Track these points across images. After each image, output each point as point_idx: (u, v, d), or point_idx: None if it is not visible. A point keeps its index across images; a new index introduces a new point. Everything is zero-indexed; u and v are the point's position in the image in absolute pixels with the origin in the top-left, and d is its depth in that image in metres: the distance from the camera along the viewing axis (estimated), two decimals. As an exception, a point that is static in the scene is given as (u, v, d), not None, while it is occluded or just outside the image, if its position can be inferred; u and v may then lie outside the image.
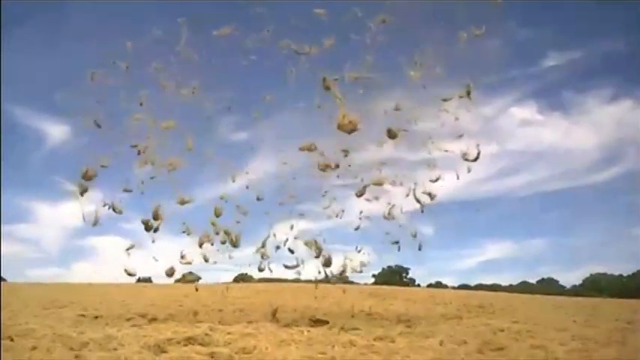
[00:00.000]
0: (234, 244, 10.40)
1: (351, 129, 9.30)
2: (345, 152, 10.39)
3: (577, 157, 52.20)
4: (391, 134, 9.93)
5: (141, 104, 10.12)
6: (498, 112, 34.75)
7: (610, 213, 51.33)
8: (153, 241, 10.34)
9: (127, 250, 10.37)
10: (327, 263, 10.55)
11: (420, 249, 11.03)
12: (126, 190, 10.38)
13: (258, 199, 11.08)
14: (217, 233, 10.42)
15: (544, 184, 53.45)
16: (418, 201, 10.84)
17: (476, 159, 10.41)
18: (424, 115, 10.52)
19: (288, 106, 11.32)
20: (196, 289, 12.57)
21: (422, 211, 10.96)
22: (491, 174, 50.82)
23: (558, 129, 50.57)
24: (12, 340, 6.27)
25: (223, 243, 10.45)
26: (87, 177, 9.93)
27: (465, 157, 10.46)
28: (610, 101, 52.49)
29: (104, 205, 10.20)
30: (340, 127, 9.33)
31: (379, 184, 10.77)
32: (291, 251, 10.89)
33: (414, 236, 10.99)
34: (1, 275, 25.37)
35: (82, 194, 9.98)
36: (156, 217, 10.28)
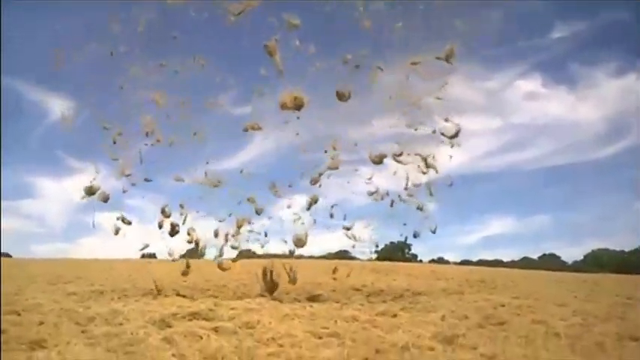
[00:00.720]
0: (200, 255, 10.50)
1: (297, 105, 8.85)
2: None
3: (582, 130, 51.29)
4: (339, 95, 9.43)
5: (121, 87, 10.00)
6: (504, 85, 34.27)
7: (614, 187, 50.80)
8: (160, 227, 10.51)
9: (141, 250, 10.78)
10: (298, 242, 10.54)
11: (415, 236, 11.10)
12: (146, 180, 10.54)
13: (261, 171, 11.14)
14: (189, 234, 10.54)
15: (548, 159, 52.89)
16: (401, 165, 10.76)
17: (454, 136, 10.06)
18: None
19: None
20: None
21: (430, 194, 10.90)
22: (495, 148, 50.48)
23: (564, 102, 49.69)
24: (19, 314, 6.37)
25: (189, 242, 10.65)
26: (91, 192, 9.92)
27: (442, 132, 10.14)
28: (616, 74, 51.41)
29: (117, 219, 10.45)
30: (284, 105, 8.84)
31: (334, 167, 10.59)
32: (235, 248, 11.15)
33: (421, 209, 11.03)
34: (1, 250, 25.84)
35: (105, 201, 10.06)
36: (164, 214, 10.45)
